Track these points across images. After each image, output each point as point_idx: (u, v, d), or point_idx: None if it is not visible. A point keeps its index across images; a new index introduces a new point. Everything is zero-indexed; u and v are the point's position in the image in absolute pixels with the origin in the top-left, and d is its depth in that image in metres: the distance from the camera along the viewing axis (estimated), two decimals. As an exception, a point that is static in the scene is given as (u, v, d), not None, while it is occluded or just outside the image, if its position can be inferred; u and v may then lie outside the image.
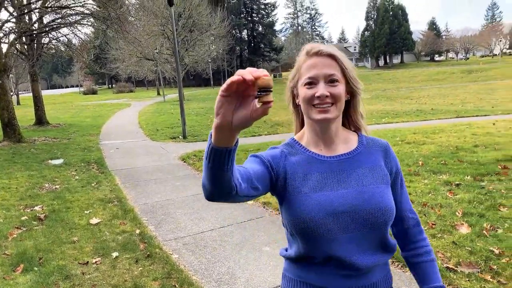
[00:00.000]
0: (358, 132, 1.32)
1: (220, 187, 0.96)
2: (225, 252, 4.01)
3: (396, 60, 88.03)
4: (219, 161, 0.90)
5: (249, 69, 0.79)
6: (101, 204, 5.82)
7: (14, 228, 4.92)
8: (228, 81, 0.78)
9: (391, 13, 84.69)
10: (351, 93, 1.25)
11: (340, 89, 1.17)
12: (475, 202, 4.80)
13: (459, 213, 4.45)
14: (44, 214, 5.41)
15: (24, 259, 4.02)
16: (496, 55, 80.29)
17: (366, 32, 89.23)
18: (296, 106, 1.30)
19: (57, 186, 7.01)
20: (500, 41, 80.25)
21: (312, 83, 1.17)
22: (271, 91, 0.79)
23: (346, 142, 1.27)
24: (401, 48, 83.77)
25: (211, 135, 0.90)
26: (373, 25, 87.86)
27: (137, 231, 4.67)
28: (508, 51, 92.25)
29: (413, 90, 31.77)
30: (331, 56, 1.19)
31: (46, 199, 6.22)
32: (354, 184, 1.20)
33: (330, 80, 1.17)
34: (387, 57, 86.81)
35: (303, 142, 1.29)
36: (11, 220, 5.25)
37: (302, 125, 1.34)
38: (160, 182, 7.04)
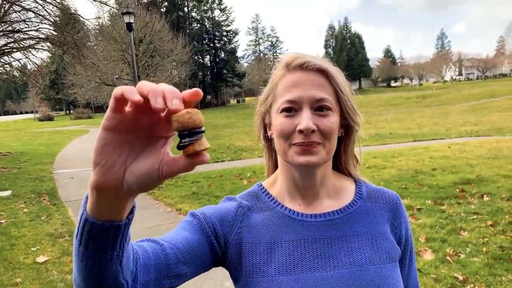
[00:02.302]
0: (356, 180, 0.95)
1: (98, 286, 0.59)
2: (184, 290, 3.75)
3: (355, 86, 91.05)
4: (98, 245, 0.54)
5: (163, 86, 0.46)
6: (50, 240, 5.40)
7: None
8: (118, 92, 0.45)
9: (348, 41, 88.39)
10: (346, 127, 0.90)
11: (332, 121, 0.82)
12: (437, 227, 4.82)
13: (422, 239, 4.43)
14: (-16, 253, 4.92)
15: (-44, 307, 3.59)
16: (447, 81, 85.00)
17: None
18: (269, 140, 0.93)
19: (2, 221, 6.47)
20: (450, 68, 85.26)
21: (291, 109, 0.81)
22: (202, 132, 0.48)
23: (336, 195, 0.91)
24: (359, 75, 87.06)
25: (86, 198, 0.55)
26: (332, 52, 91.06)
27: (89, 269, 4.31)
28: (457, 77, 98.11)
29: (372, 115, 32.82)
30: (322, 72, 0.82)
31: (-12, 235, 5.70)
32: (345, 262, 0.83)
33: (319, 107, 0.81)
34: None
35: (273, 191, 0.92)
36: None
37: (276, 166, 0.96)
38: (117, 213, 6.65)
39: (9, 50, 13.26)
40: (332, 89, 0.83)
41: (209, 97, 74.49)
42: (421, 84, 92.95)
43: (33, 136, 28.52)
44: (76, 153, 16.34)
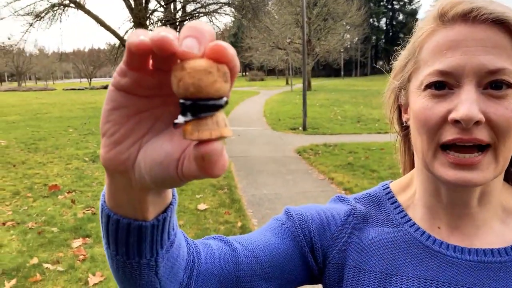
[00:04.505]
0: None
1: None
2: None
3: None
4: (119, 246, 0.42)
5: (193, 26, 0.29)
6: (212, 190, 5.92)
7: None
8: (134, 40, 0.29)
9: None
10: None
11: None
12: None
13: None
14: (160, 194, 5.72)
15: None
16: None
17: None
18: (405, 127, 0.65)
19: (177, 168, 7.42)
20: None
21: (444, 84, 0.52)
22: (218, 107, 0.29)
23: (505, 223, 0.60)
24: None
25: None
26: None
27: (239, 224, 4.57)
28: None
29: None
30: (503, 26, 0.50)
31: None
32: None
33: (493, 84, 0.50)
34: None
35: (403, 199, 0.66)
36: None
37: (413, 163, 0.69)
38: (272, 174, 6.90)
39: (197, 15, 14.83)
40: None
41: (381, 62, 70.84)
42: None
43: (213, 94, 31.96)
44: (245, 112, 17.63)
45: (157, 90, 0.33)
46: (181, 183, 0.34)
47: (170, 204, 0.42)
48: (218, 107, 0.29)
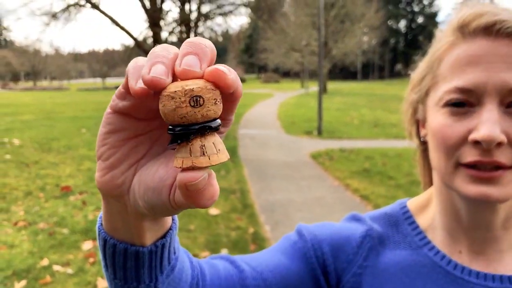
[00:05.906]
0: None
1: None
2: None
3: None
4: (116, 270, 0.41)
5: (194, 42, 0.28)
6: (224, 194, 5.84)
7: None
8: (132, 85, 0.29)
9: None
10: None
11: None
12: None
13: None
14: (171, 197, 5.65)
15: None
16: None
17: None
18: (424, 142, 0.63)
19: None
20: None
21: (464, 102, 0.51)
22: (188, 134, 0.28)
23: None
24: None
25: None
26: None
27: (251, 230, 4.48)
28: None
29: None
30: None
31: (177, 181, 6.55)
32: None
33: None
34: None
35: (422, 220, 0.63)
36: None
37: (432, 180, 0.66)
38: (286, 179, 6.79)
39: (212, 15, 14.86)
40: None
41: (399, 66, 70.04)
42: None
43: (228, 95, 32.00)
44: (259, 115, 17.57)
45: (156, 112, 0.32)
46: (175, 211, 0.32)
47: (170, 229, 0.41)
48: (189, 134, 0.27)
